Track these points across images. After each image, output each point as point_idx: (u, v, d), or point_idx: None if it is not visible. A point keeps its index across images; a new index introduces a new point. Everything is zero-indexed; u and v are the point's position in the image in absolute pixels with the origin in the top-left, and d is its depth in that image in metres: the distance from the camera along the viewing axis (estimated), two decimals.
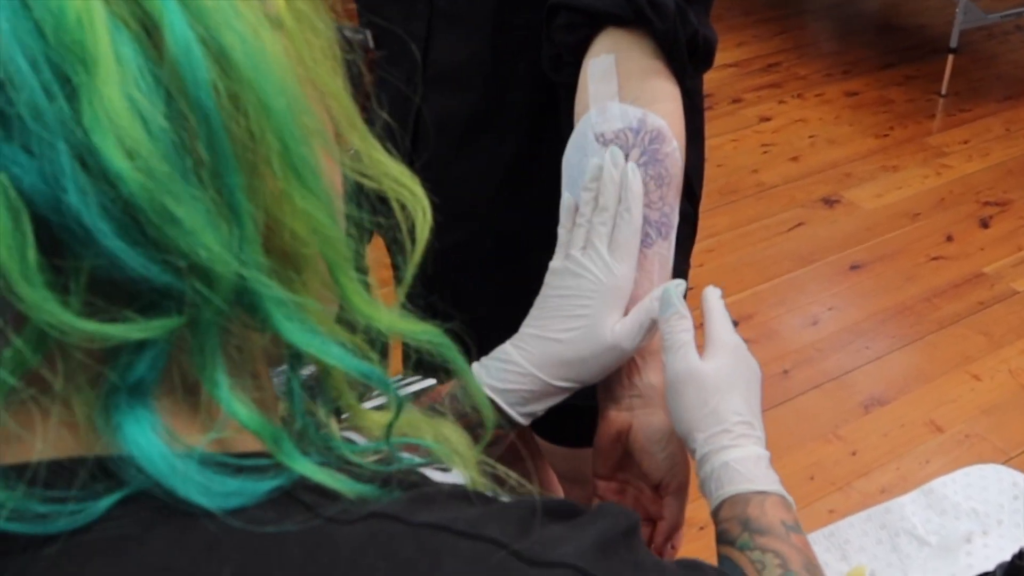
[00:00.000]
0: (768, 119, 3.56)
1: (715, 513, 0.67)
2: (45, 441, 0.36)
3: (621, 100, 0.75)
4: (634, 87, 0.75)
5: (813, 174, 3.20)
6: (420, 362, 0.48)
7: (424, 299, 0.50)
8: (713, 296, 0.74)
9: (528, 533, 0.38)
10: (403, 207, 0.46)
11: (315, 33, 0.40)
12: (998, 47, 4.07)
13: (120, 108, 0.32)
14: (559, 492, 1.34)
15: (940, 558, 0.94)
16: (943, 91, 3.63)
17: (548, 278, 0.76)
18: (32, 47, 0.32)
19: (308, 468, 0.38)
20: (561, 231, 0.77)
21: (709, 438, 0.68)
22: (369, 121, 0.46)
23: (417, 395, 0.81)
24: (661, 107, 0.75)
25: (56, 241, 0.33)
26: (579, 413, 1.06)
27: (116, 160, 0.32)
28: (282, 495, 0.37)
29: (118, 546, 0.35)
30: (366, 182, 0.45)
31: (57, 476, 0.36)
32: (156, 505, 0.36)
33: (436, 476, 0.47)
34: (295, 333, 0.38)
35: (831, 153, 3.32)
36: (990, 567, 0.82)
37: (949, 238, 2.86)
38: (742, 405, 0.69)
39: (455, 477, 0.54)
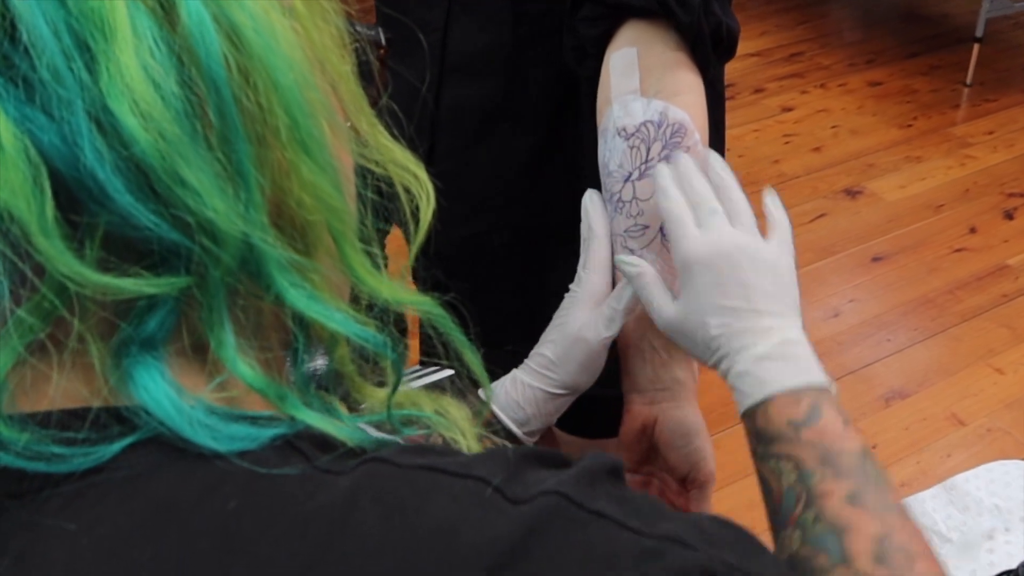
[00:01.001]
0: (790, 109, 3.53)
1: (744, 428, 0.67)
2: (60, 390, 0.38)
3: (643, 93, 0.75)
4: (656, 80, 0.75)
5: (835, 165, 3.17)
6: (433, 352, 0.50)
7: (434, 280, 0.51)
8: (667, 198, 0.71)
9: (514, 473, 0.39)
10: (408, 192, 0.48)
11: (325, 20, 0.42)
12: None
13: (135, 73, 0.35)
14: None
15: (961, 555, 0.93)
16: (968, 81, 3.59)
17: None
18: (54, 16, 0.34)
19: (312, 417, 0.40)
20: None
21: (713, 366, 0.68)
22: (380, 111, 0.47)
23: (433, 385, 0.82)
24: (683, 99, 0.75)
25: (73, 198, 0.35)
26: (597, 403, 1.06)
27: (130, 122, 0.34)
28: (284, 443, 0.39)
29: (129, 485, 0.37)
30: (372, 167, 0.47)
31: (71, 420, 0.38)
32: (165, 448, 0.38)
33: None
34: (298, 298, 0.40)
35: (854, 144, 3.29)
36: (1013, 564, 0.81)
37: (972, 230, 2.83)
38: (724, 321, 0.66)
39: None
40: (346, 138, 0.45)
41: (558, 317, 0.77)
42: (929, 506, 0.98)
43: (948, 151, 3.23)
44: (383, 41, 0.57)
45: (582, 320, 0.75)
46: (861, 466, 0.60)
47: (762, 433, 0.63)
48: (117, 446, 0.37)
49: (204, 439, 0.38)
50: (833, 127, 3.40)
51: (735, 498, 1.51)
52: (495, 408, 0.76)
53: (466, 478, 0.38)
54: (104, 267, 0.36)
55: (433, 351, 0.52)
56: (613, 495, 0.40)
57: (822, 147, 3.28)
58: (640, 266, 0.72)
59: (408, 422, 0.49)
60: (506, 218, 0.98)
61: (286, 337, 0.43)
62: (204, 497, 0.37)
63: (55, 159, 0.35)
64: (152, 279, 0.37)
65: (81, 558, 0.36)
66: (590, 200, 0.78)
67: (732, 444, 1.22)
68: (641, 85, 0.75)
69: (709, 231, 0.68)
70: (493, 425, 0.76)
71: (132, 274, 0.37)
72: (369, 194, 0.47)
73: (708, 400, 0.78)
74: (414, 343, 1.09)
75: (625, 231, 0.76)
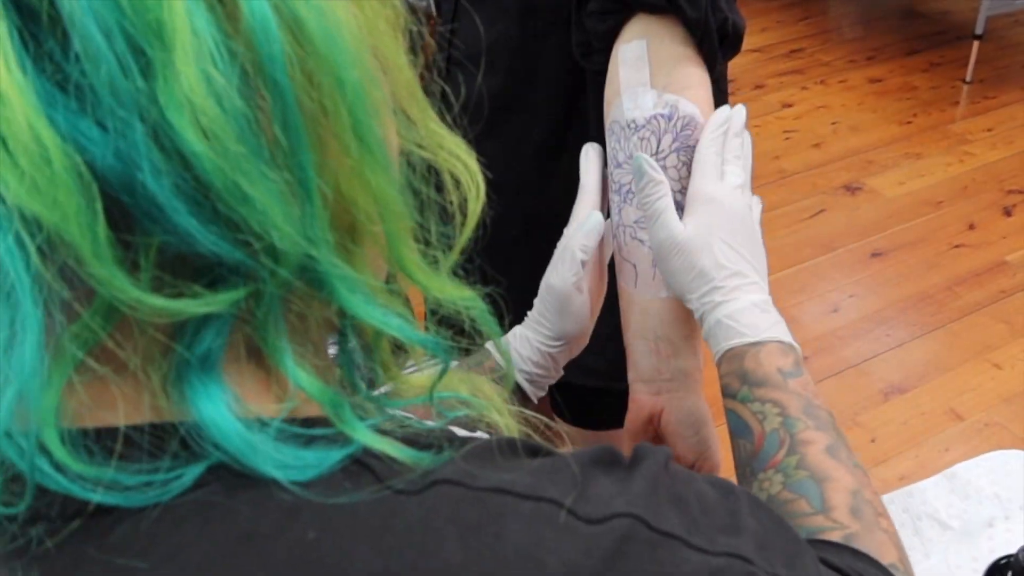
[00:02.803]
0: (790, 105, 3.54)
1: (718, 367, 0.69)
2: (119, 413, 0.37)
3: (652, 86, 0.76)
4: (665, 74, 0.76)
5: (835, 161, 3.19)
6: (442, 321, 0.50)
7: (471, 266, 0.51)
8: (705, 142, 0.74)
9: (583, 490, 0.39)
10: (455, 180, 0.46)
11: (382, 1, 0.40)
12: None
13: (196, 86, 0.32)
14: None
15: (962, 542, 0.95)
16: (968, 78, 3.60)
17: None
18: (107, 17, 0.31)
19: (368, 437, 0.39)
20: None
21: (701, 298, 0.70)
22: (427, 91, 0.46)
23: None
24: (692, 93, 0.76)
25: (127, 217, 0.33)
26: (602, 395, 1.07)
27: (192, 140, 0.32)
28: (352, 463, 0.38)
29: (205, 512, 0.36)
30: (422, 153, 0.45)
31: (138, 447, 0.37)
32: (236, 472, 0.37)
33: (460, 435, 0.49)
34: (359, 306, 0.39)
35: (854, 140, 3.30)
36: (1012, 551, 0.82)
37: (971, 226, 2.85)
38: (729, 256, 0.70)
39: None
40: (396, 126, 0.44)
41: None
42: (930, 494, 0.99)
43: (948, 148, 3.24)
44: (434, 11, 0.56)
45: (550, 266, 0.77)
46: (833, 424, 0.63)
47: (750, 375, 0.65)
48: (189, 477, 0.36)
49: (274, 471, 0.36)
50: (833, 123, 3.41)
51: None
52: (497, 357, 0.77)
53: (538, 500, 0.38)
54: (158, 286, 0.35)
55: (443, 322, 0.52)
56: (676, 505, 0.42)
57: (822, 143, 3.29)
58: (661, 173, 0.74)
59: (448, 404, 0.50)
60: (516, 209, 0.99)
61: (330, 333, 0.43)
62: (283, 527, 0.36)
63: (110, 178, 0.32)
64: (208, 296, 0.35)
65: None
66: (585, 155, 0.80)
67: None
68: (651, 78, 0.76)
69: (734, 189, 0.72)
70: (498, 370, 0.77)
71: (188, 292, 0.35)
72: (419, 185, 0.45)
73: (709, 394, 0.79)
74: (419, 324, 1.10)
75: (636, 222, 0.77)
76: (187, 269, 0.35)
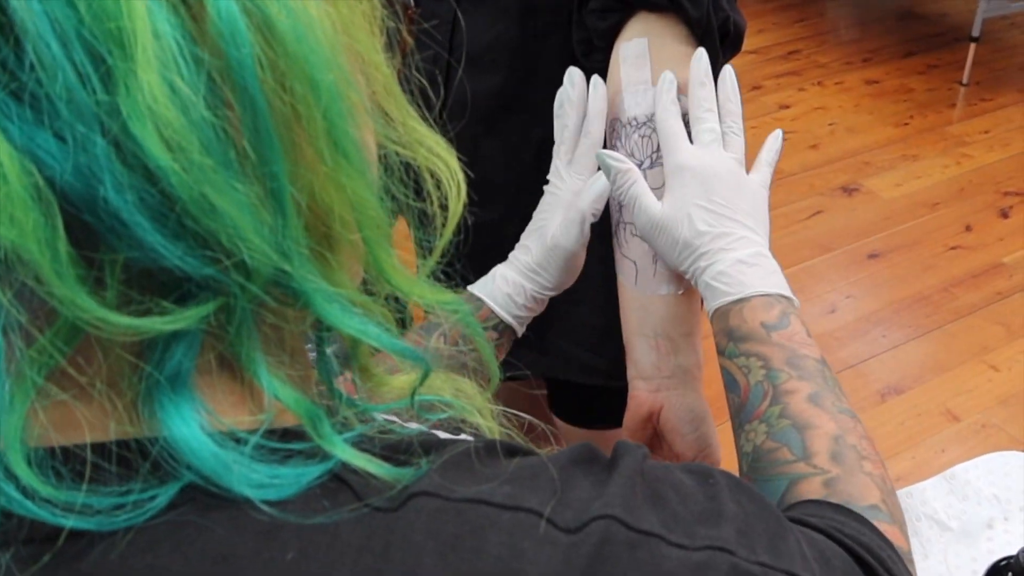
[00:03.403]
0: (787, 107, 3.54)
1: (712, 326, 0.70)
2: (87, 430, 0.35)
3: (653, 84, 0.76)
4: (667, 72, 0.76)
5: (832, 162, 3.19)
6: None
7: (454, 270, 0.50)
8: (659, 111, 0.74)
9: (562, 495, 0.39)
10: (435, 179, 0.44)
11: None
12: (1021, 36, 4.04)
13: (160, 96, 0.30)
14: None
15: (961, 543, 0.95)
16: (964, 80, 3.61)
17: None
18: (63, 24, 0.29)
19: (347, 453, 0.38)
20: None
21: (690, 268, 0.71)
22: (404, 87, 0.44)
23: None
24: None
25: (90, 233, 0.32)
26: (599, 394, 1.07)
27: (156, 152, 0.30)
28: (331, 479, 0.37)
29: (179, 534, 0.35)
30: (400, 151, 0.43)
31: (108, 470, 0.35)
32: (210, 492, 0.35)
33: (443, 437, 0.48)
34: (335, 316, 0.37)
35: (850, 141, 3.31)
36: (1011, 552, 0.82)
37: (968, 228, 2.85)
38: (707, 219, 0.70)
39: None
40: (374, 127, 0.42)
41: (538, 217, 0.80)
42: (929, 495, 0.99)
43: (944, 150, 3.25)
44: (412, 1, 0.54)
45: (558, 225, 0.77)
46: (820, 371, 0.64)
47: (735, 331, 0.66)
48: (163, 499, 0.35)
49: (247, 489, 0.35)
50: (830, 125, 3.42)
51: None
52: (492, 304, 0.78)
53: (517, 511, 0.38)
54: (124, 303, 0.33)
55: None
56: (654, 501, 0.41)
57: (819, 144, 3.30)
58: (626, 162, 0.74)
59: (430, 407, 0.49)
60: (516, 208, 0.99)
61: (306, 340, 0.42)
62: (261, 548, 0.35)
63: (69, 192, 0.30)
64: (178, 312, 0.33)
65: None
66: (594, 91, 0.78)
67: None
68: (652, 76, 0.76)
69: (703, 148, 0.72)
70: (492, 319, 0.78)
71: (155, 309, 0.33)
72: (390, 182, 0.44)
73: (709, 393, 0.79)
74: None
75: None
76: (154, 285, 0.34)
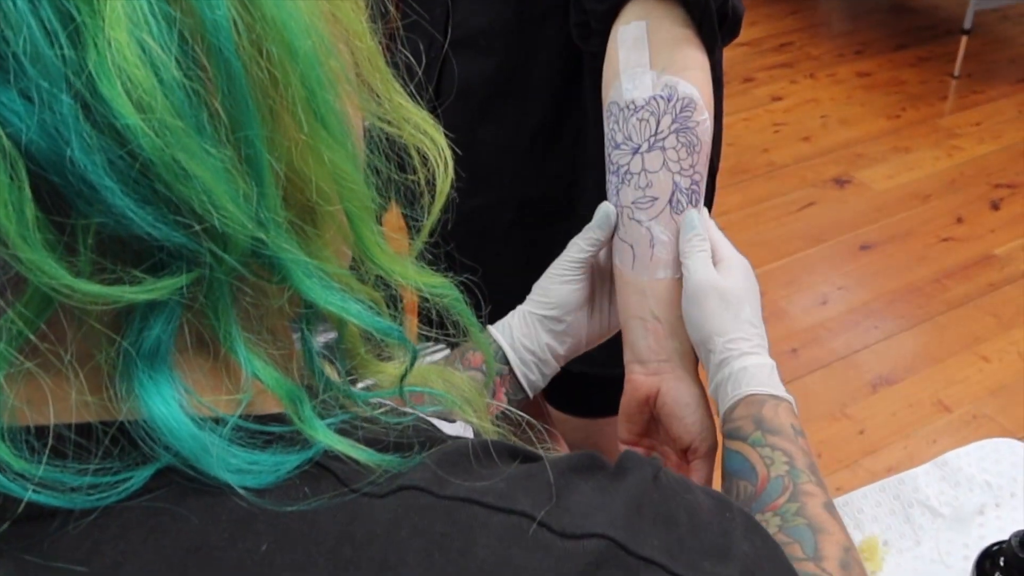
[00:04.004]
0: (780, 99, 3.55)
1: (728, 412, 0.70)
2: (64, 408, 0.34)
3: (651, 68, 0.75)
4: (665, 55, 0.75)
5: (824, 154, 3.19)
6: (437, 323, 0.48)
7: (444, 252, 0.49)
8: (706, 220, 0.78)
9: (558, 500, 0.37)
10: (423, 157, 0.43)
11: None
12: (1012, 29, 4.04)
13: (129, 54, 0.29)
14: None
15: (953, 529, 0.95)
16: (956, 73, 3.62)
17: None
18: None
19: (329, 438, 0.37)
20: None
21: (729, 343, 0.71)
22: (392, 63, 0.43)
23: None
24: (692, 75, 0.75)
25: (59, 197, 0.31)
26: (593, 383, 1.07)
27: (125, 112, 0.29)
28: (313, 466, 0.36)
29: (152, 519, 0.34)
30: (386, 127, 0.42)
31: (84, 447, 0.34)
32: (187, 476, 0.34)
33: (443, 427, 0.47)
34: (314, 291, 0.36)
35: (842, 133, 3.31)
36: (1002, 538, 0.83)
37: (959, 219, 2.86)
38: (756, 318, 0.73)
39: (460, 428, 0.54)
40: (358, 100, 0.41)
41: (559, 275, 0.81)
42: (921, 481, 1.00)
43: (936, 142, 3.25)
44: None
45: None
46: (825, 487, 0.65)
47: (766, 422, 0.67)
48: (137, 480, 0.34)
49: (225, 474, 0.34)
50: (822, 117, 3.42)
51: None
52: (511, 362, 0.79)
53: (509, 513, 0.36)
54: (96, 271, 0.32)
55: (430, 328, 0.51)
56: (662, 524, 0.39)
57: (811, 136, 3.30)
58: (707, 239, 0.76)
59: (420, 400, 0.48)
60: (512, 193, 0.99)
61: (291, 319, 0.40)
62: (235, 537, 0.34)
63: (36, 153, 0.29)
64: (151, 282, 0.32)
65: None
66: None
67: None
68: (651, 60, 0.76)
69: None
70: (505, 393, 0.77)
71: (128, 278, 0.32)
72: (378, 162, 0.43)
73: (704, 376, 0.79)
74: (412, 318, 1.10)
75: (633, 202, 0.77)
76: (127, 254, 0.32)
